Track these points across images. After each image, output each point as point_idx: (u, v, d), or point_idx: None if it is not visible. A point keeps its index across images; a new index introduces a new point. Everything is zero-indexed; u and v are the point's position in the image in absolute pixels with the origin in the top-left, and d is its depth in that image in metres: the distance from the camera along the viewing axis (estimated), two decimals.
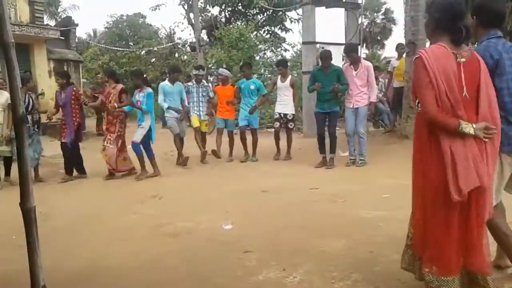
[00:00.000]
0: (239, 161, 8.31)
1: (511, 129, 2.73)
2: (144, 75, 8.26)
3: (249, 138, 8.39)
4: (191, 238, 4.22)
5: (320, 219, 4.60)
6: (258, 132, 8.69)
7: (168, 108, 7.95)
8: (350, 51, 7.59)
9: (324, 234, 4.09)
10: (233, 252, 3.74)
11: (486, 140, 2.43)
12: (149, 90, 7.37)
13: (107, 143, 7.19)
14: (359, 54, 7.68)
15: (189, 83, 8.85)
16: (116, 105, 7.11)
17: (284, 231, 4.25)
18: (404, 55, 9.75)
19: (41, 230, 1.86)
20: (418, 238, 2.63)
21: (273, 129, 9.03)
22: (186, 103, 8.21)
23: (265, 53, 19.68)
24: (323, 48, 11.95)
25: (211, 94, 8.73)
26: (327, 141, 7.60)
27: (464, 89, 2.43)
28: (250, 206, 5.27)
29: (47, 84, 12.98)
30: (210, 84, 10.40)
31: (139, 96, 7.34)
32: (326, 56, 7.61)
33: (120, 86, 7.42)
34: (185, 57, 24.64)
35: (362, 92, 7.36)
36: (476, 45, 2.92)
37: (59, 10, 33.86)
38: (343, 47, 12.76)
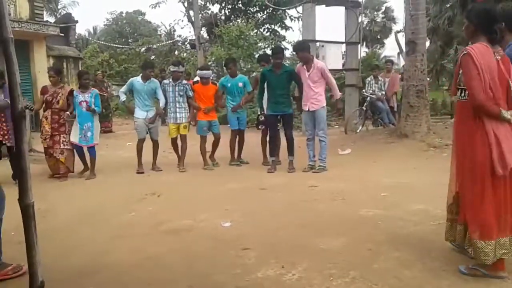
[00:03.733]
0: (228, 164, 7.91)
1: None
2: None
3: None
4: (190, 235, 4.22)
5: (319, 217, 4.60)
6: (255, 131, 8.54)
7: (123, 103, 7.67)
8: (299, 50, 7.00)
9: (323, 232, 4.09)
10: (232, 249, 3.74)
11: None
12: (96, 90, 7.45)
13: (63, 145, 7.01)
14: (310, 53, 7.11)
15: (165, 81, 7.77)
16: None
17: (283, 229, 4.26)
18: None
19: (40, 227, 1.86)
20: (467, 209, 3.05)
21: None
22: (161, 104, 7.50)
23: (265, 51, 19.66)
24: (322, 46, 11.97)
25: (191, 93, 7.60)
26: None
27: (510, 81, 2.97)
28: (249, 204, 5.26)
29: (46, 81, 12.94)
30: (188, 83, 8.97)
31: (84, 97, 7.10)
32: (277, 51, 7.15)
33: (68, 87, 7.42)
34: (185, 54, 24.64)
35: (317, 93, 6.90)
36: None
37: (58, 6, 33.87)
38: (343, 45, 12.95)
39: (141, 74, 7.59)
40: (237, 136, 7.90)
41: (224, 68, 15.50)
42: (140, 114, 7.46)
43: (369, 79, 11.75)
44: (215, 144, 7.81)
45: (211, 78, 7.95)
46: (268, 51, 19.30)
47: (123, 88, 7.62)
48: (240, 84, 7.75)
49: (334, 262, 3.36)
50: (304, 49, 6.97)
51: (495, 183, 2.90)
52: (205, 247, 3.88)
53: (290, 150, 7.19)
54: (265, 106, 7.48)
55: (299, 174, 6.91)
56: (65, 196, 6.10)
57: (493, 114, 2.88)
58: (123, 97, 7.65)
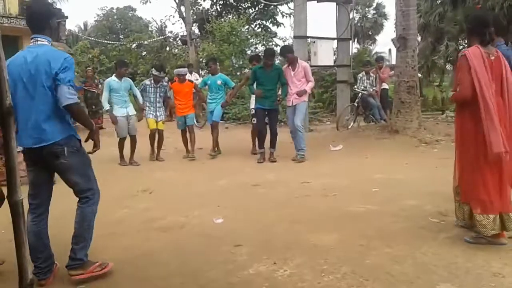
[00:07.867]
0: (209, 156, 8.26)
1: None
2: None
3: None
4: (183, 232, 4.21)
5: (311, 213, 4.62)
6: (248, 126, 8.63)
7: (107, 111, 7.69)
8: (285, 52, 7.78)
9: (315, 228, 4.10)
10: (224, 246, 3.75)
11: None
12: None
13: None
14: (295, 55, 7.81)
15: (146, 82, 8.25)
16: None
17: (275, 225, 4.26)
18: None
19: None
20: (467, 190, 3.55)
21: None
22: (140, 100, 7.85)
23: (256, 47, 19.64)
24: (314, 42, 11.98)
25: (169, 94, 8.51)
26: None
27: (503, 75, 3.45)
28: (241, 200, 5.27)
29: None
30: (168, 84, 9.56)
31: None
32: (269, 53, 7.77)
33: None
34: (176, 50, 24.56)
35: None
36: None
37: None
38: (334, 41, 12.98)
39: (114, 74, 7.82)
40: (211, 128, 8.45)
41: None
42: (121, 112, 7.61)
43: (360, 75, 11.77)
44: (192, 139, 8.28)
45: (186, 75, 8.61)
46: (260, 48, 19.39)
47: (105, 94, 7.59)
48: (219, 82, 8.39)
49: (326, 258, 3.37)
50: (290, 51, 7.78)
51: (490, 167, 3.37)
52: (197, 243, 3.87)
53: (272, 143, 7.75)
54: (252, 102, 8.12)
55: (291, 171, 6.93)
56: (56, 194, 6.00)
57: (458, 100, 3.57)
58: (106, 106, 7.60)
